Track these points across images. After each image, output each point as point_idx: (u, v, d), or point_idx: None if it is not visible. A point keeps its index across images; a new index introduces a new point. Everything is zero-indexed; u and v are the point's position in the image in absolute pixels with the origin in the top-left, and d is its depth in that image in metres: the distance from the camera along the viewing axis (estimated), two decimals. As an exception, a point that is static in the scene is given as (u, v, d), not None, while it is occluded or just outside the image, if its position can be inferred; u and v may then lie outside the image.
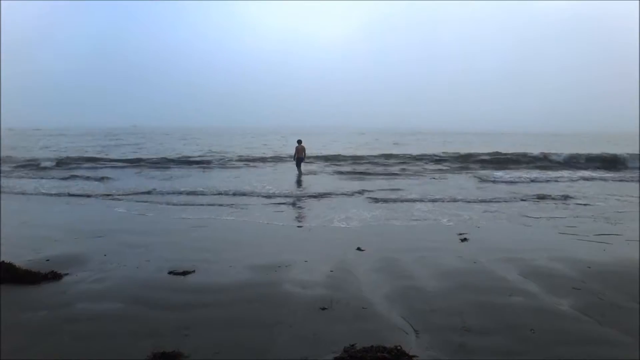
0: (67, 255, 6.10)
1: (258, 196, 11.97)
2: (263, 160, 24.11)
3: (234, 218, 9.15)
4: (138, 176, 17.57)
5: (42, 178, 16.50)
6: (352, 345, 3.49)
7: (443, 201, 11.11)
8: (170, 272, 5.39)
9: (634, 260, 5.83)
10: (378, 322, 4.04)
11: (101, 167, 20.52)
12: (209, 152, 28.69)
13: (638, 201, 11.27)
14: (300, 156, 17.73)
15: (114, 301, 4.51)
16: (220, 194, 12.36)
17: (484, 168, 20.91)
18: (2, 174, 17.06)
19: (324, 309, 4.30)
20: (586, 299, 4.56)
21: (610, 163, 22.19)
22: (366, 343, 3.47)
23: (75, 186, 14.20)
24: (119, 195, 12.25)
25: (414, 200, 11.25)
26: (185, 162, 23.03)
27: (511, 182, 15.63)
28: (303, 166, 18.40)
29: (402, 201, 11.22)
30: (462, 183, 15.58)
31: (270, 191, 12.76)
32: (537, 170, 19.50)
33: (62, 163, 21.64)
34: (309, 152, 19.96)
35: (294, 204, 11.03)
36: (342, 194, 12.51)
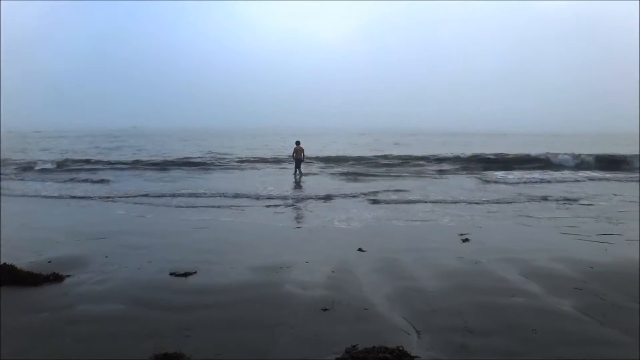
0: (69, 257, 6.11)
1: (258, 197, 11.96)
2: (263, 161, 24.12)
3: (234, 219, 9.15)
4: (138, 178, 17.56)
5: (42, 180, 16.50)
6: (354, 346, 3.49)
7: (444, 202, 11.11)
8: (171, 274, 5.39)
9: (636, 261, 5.83)
10: (379, 323, 4.04)
11: (101, 169, 20.52)
12: (209, 154, 28.71)
13: (639, 201, 11.26)
14: (299, 157, 17.74)
15: (115, 302, 4.51)
16: (220, 195, 12.36)
17: (485, 168, 20.89)
18: (2, 177, 17.06)
19: (325, 309, 4.30)
20: (588, 300, 4.56)
21: (612, 163, 22.18)
22: (368, 344, 3.47)
23: (76, 188, 14.20)
24: (119, 197, 12.25)
25: (415, 201, 11.24)
26: (186, 163, 23.03)
27: (513, 183, 15.61)
28: (303, 167, 18.42)
29: (403, 202, 11.22)
30: (464, 183, 15.58)
31: (271, 192, 12.77)
32: (539, 171, 19.47)
33: (62, 165, 21.65)
34: (309, 153, 19.96)
35: (294, 205, 11.03)
36: (343, 194, 12.50)
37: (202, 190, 13.07)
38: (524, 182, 15.73)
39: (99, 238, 7.33)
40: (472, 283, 5.08)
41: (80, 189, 13.92)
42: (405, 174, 18.88)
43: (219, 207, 10.57)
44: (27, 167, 20.67)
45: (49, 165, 21.13)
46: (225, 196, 12.22)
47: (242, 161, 24.03)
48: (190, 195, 12.43)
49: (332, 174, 19.07)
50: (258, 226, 8.53)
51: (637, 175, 17.65)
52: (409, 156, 25.63)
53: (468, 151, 27.33)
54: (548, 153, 24.44)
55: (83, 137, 56.83)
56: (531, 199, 11.65)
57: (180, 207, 10.64)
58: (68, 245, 6.88)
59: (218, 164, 23.06)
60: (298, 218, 9.72)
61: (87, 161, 23.44)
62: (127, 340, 3.70)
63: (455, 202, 11.04)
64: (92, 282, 5.12)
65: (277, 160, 24.13)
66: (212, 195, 12.32)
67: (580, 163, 22.40)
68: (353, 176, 18.26)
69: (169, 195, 12.37)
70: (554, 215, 9.49)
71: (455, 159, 24.07)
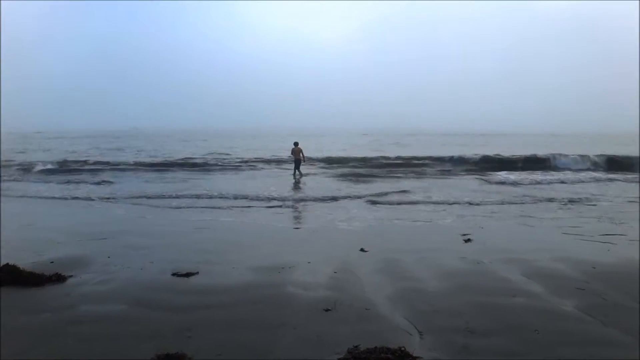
0: (71, 257, 6.11)
1: (259, 198, 11.96)
2: (263, 162, 24.14)
3: (235, 220, 9.15)
4: (139, 179, 17.57)
5: (43, 181, 16.53)
6: (356, 346, 3.49)
7: (446, 202, 11.10)
8: (173, 274, 5.39)
9: (638, 261, 5.82)
10: (381, 323, 4.04)
11: (102, 170, 20.54)
12: (210, 154, 28.73)
13: (639, 201, 11.26)
14: (298, 158, 17.74)
15: (117, 303, 4.51)
16: (221, 196, 12.36)
17: (486, 169, 20.90)
18: (2, 177, 17.08)
19: (327, 310, 4.30)
20: (590, 300, 4.55)
21: (614, 164, 22.17)
22: (370, 344, 3.47)
23: (77, 189, 14.22)
24: (121, 198, 12.26)
25: (416, 202, 11.24)
26: (186, 164, 23.06)
27: (514, 183, 15.61)
28: (303, 168, 18.41)
29: (404, 202, 11.22)
30: (466, 184, 15.58)
31: (271, 193, 12.77)
32: (541, 171, 19.49)
33: (63, 166, 21.67)
34: (309, 153, 19.95)
35: (294, 206, 11.03)
36: (344, 195, 12.51)
37: (203, 191, 13.08)
38: (526, 183, 15.73)
39: (100, 239, 7.33)
40: (474, 283, 5.07)
41: (81, 190, 13.93)
42: (406, 175, 18.89)
43: (219, 207, 10.58)
44: (27, 168, 20.68)
45: (49, 166, 21.14)
46: (225, 197, 12.22)
47: (242, 162, 24.06)
48: (191, 196, 12.43)
49: (332, 174, 19.08)
50: (259, 227, 8.54)
51: (637, 175, 17.64)
52: (410, 157, 25.62)
53: (469, 151, 27.32)
54: (550, 153, 24.43)
55: (83, 138, 56.86)
56: (533, 199, 11.64)
57: (181, 207, 10.64)
58: (70, 245, 6.88)
59: (218, 164, 23.08)
60: (299, 218, 9.72)
61: (88, 162, 23.46)
62: (129, 340, 3.70)
63: (457, 203, 11.03)
64: (94, 283, 5.12)
65: (277, 161, 24.15)
66: (213, 196, 12.32)
67: (583, 163, 22.40)
68: (354, 177, 18.26)
69: (170, 196, 12.38)
70: (557, 215, 9.49)
71: (457, 160, 24.04)
